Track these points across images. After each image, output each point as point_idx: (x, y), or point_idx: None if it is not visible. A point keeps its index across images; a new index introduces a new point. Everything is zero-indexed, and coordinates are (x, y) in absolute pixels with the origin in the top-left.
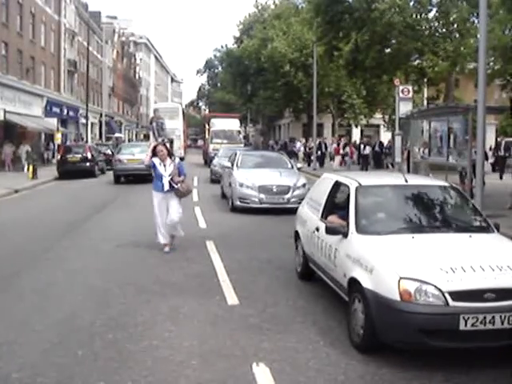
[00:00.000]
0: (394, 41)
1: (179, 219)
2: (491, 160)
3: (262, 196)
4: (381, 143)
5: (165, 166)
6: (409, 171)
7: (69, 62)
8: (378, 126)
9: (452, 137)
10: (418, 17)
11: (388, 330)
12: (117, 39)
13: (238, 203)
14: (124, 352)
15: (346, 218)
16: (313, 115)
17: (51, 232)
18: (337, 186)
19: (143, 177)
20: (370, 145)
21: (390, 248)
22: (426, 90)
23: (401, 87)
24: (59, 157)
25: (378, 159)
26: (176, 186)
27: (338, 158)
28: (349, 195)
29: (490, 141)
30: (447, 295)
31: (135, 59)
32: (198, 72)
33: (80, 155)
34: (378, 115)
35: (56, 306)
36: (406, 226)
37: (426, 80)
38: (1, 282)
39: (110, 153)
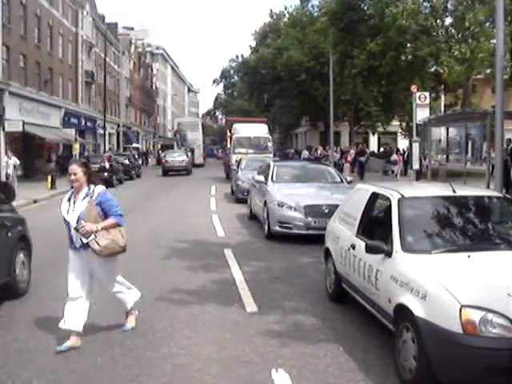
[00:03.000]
0: (408, 46)
1: (119, 289)
2: None
3: (310, 219)
4: (398, 150)
5: (74, 203)
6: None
7: (86, 73)
8: (395, 133)
9: (470, 143)
10: (433, 21)
11: (447, 368)
12: (133, 50)
13: (276, 228)
14: (143, 359)
15: (385, 234)
16: (330, 123)
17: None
18: (374, 198)
19: (181, 171)
20: (363, 153)
21: (444, 270)
22: (443, 96)
23: (418, 94)
24: None
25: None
26: (85, 241)
27: (347, 166)
28: (390, 208)
29: None
30: None
31: (152, 70)
32: (214, 82)
33: (98, 165)
34: (395, 122)
35: None
36: (460, 243)
37: (443, 87)
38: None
39: (128, 163)
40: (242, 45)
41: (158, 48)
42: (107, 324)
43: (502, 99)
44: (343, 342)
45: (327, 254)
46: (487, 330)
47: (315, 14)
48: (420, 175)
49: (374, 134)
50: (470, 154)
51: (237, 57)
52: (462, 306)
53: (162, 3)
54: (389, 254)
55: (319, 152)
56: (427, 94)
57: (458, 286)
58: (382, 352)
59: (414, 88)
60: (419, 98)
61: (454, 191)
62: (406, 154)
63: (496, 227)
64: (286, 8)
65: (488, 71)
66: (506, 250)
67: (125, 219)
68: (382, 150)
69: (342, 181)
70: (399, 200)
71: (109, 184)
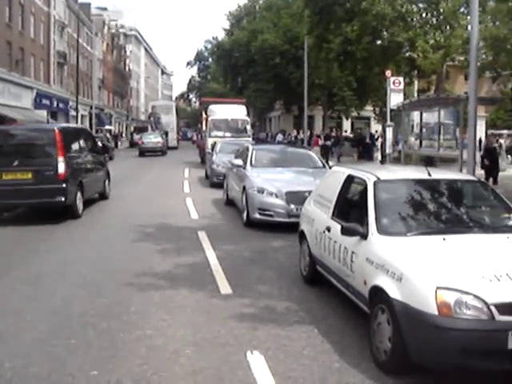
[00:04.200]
0: (385, 32)
1: None
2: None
3: (292, 206)
4: (371, 135)
5: None
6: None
7: (58, 54)
8: (368, 118)
9: (443, 128)
10: (409, 7)
11: (422, 349)
12: (107, 31)
13: (256, 216)
14: (118, 341)
15: (360, 217)
16: (303, 107)
17: (47, 222)
18: (349, 180)
19: (156, 152)
20: (328, 138)
21: (420, 252)
22: (416, 82)
23: (392, 79)
24: None
25: (369, 152)
26: None
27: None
28: (366, 191)
29: (481, 133)
30: (493, 308)
31: (125, 51)
32: (188, 64)
33: None
34: (369, 107)
35: (48, 296)
36: (435, 226)
37: (416, 72)
38: None
39: (101, 145)
40: (217, 27)
41: (131, 29)
42: (80, 306)
43: (475, 85)
44: (318, 324)
45: (302, 236)
46: (462, 312)
47: None
48: (384, 160)
49: (347, 119)
50: (442, 140)
51: (212, 38)
52: (438, 288)
53: None
54: (364, 237)
55: (292, 135)
56: (401, 78)
57: (434, 267)
58: (358, 334)
59: (388, 73)
60: (393, 82)
61: (429, 174)
62: (377, 138)
63: (470, 210)
64: None
65: (462, 58)
66: (479, 233)
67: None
68: (348, 134)
69: (323, 166)
70: (375, 183)
71: None
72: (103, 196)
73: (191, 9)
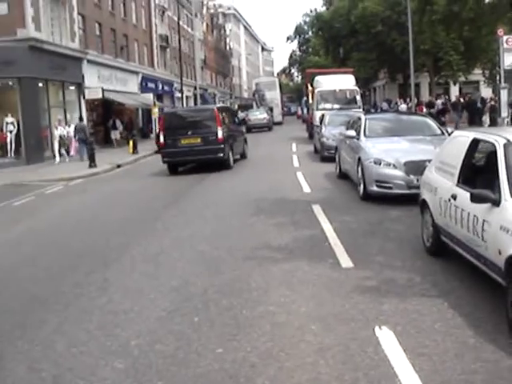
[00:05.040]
0: None
1: None
2: None
3: (412, 177)
4: (482, 99)
5: None
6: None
7: (161, 38)
8: (477, 82)
9: None
10: None
11: None
12: (205, 12)
13: (374, 188)
14: (240, 318)
15: (490, 182)
16: (409, 75)
17: (157, 201)
18: (475, 144)
19: (263, 128)
20: (432, 105)
21: None
22: None
23: (505, 37)
24: (158, 131)
25: (481, 116)
26: None
27: None
28: (495, 155)
29: None
30: None
31: (225, 30)
32: (288, 39)
33: None
34: (478, 71)
35: (168, 274)
36: None
37: None
38: (113, 252)
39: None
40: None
41: (229, 8)
42: (201, 283)
43: None
44: (446, 296)
45: (424, 205)
46: None
47: None
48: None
49: (455, 84)
50: None
51: (311, 11)
52: None
53: None
54: (497, 203)
55: (399, 104)
56: None
57: None
58: (491, 307)
59: (500, 31)
60: (506, 41)
61: None
62: (489, 101)
63: None
64: None
65: None
66: None
67: (208, 180)
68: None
69: (442, 133)
70: (505, 145)
71: None
72: (243, 156)
73: None
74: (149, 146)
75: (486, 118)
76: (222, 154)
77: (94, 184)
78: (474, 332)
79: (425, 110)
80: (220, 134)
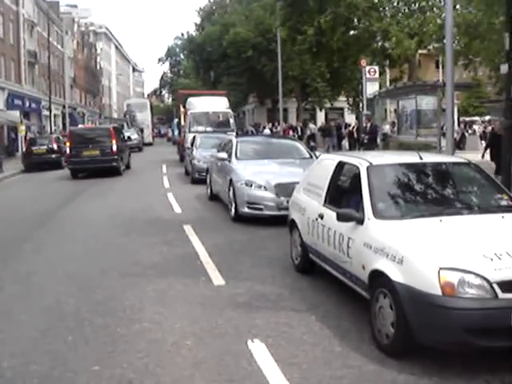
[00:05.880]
0: (358, 22)
1: None
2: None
3: (282, 199)
4: (346, 125)
5: None
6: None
7: (29, 53)
8: (341, 108)
9: (420, 115)
10: None
11: (426, 330)
12: (76, 29)
13: (245, 210)
14: (116, 336)
15: (354, 202)
16: (277, 100)
17: (25, 222)
18: (341, 167)
19: (134, 148)
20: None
21: (419, 234)
22: (388, 71)
23: (367, 68)
24: (24, 149)
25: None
26: None
27: None
28: (359, 177)
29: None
30: (495, 286)
31: (96, 49)
32: (159, 60)
33: (46, 147)
34: (342, 98)
35: (39, 295)
36: (430, 209)
37: (388, 62)
38: None
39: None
40: (187, 22)
41: (100, 27)
42: (74, 303)
43: (451, 70)
44: (314, 310)
45: (292, 225)
46: (465, 291)
47: None
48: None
49: (321, 110)
50: (420, 127)
51: (182, 34)
52: (440, 269)
53: None
54: (361, 222)
55: (267, 129)
56: (377, 67)
57: (435, 249)
58: (355, 319)
59: (363, 62)
60: (369, 72)
61: (420, 158)
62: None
63: (464, 192)
64: None
65: (436, 45)
66: (474, 214)
67: (78, 200)
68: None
69: (311, 156)
70: (368, 168)
71: (57, 165)
72: (128, 166)
73: (161, 4)
74: (15, 164)
75: (346, 143)
76: (115, 164)
77: None
78: (340, 341)
79: (291, 133)
80: (114, 148)
